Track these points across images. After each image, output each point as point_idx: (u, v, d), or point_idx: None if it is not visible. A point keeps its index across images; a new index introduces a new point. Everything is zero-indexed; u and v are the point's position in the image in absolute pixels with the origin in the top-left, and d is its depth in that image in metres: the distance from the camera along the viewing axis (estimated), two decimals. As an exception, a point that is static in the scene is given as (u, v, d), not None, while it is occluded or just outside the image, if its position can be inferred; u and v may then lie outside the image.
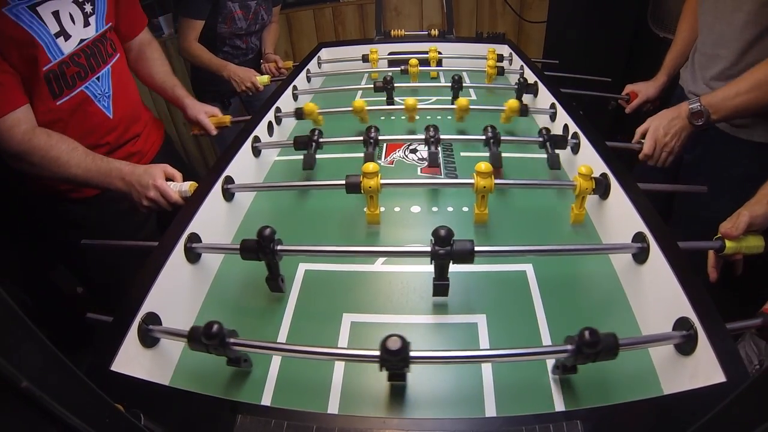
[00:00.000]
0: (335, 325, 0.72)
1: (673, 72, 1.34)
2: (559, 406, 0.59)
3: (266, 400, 0.61)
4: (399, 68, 1.49)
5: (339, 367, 0.65)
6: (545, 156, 1.03)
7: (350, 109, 1.19)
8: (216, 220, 0.88)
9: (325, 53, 1.75)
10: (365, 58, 1.63)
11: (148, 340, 0.63)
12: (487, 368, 0.63)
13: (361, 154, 1.06)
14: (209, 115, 1.32)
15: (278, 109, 1.26)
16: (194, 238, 0.78)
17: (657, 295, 0.67)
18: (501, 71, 1.46)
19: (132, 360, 0.60)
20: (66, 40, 0.99)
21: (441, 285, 0.71)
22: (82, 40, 1.03)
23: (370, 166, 0.86)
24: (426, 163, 1.10)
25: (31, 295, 1.52)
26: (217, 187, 0.90)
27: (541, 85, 1.31)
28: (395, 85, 1.33)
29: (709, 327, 0.56)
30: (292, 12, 2.43)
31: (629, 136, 1.13)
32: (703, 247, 0.78)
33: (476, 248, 0.67)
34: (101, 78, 1.09)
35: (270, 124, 1.20)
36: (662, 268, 0.66)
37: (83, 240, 0.87)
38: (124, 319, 0.63)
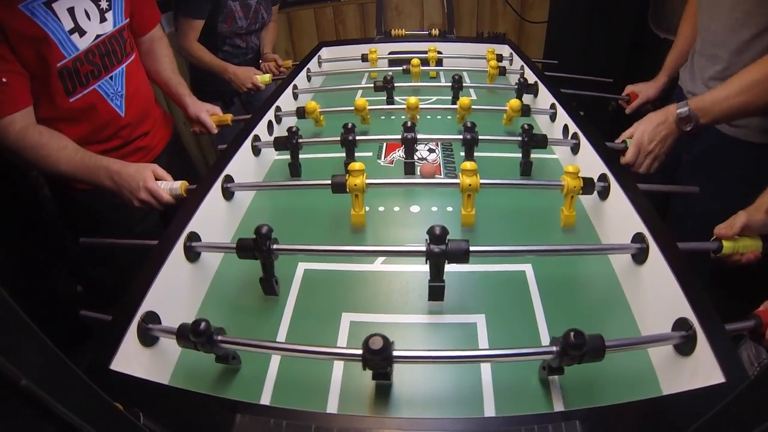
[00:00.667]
0: (335, 325, 0.72)
1: (673, 72, 1.34)
2: (558, 406, 0.59)
3: (265, 400, 0.61)
4: (401, 68, 1.48)
5: (338, 366, 0.65)
6: (544, 156, 1.03)
7: (351, 108, 1.19)
8: (215, 219, 0.88)
9: (325, 52, 1.75)
10: (365, 58, 1.63)
11: (148, 339, 0.63)
12: (486, 368, 0.63)
13: (361, 154, 1.06)
14: (210, 114, 1.32)
15: (278, 108, 1.26)
16: (194, 236, 0.78)
17: (656, 296, 0.67)
18: (502, 71, 1.46)
19: (131, 359, 0.60)
20: (81, 36, 1.00)
21: (436, 287, 0.70)
22: (98, 36, 1.04)
23: (356, 165, 0.86)
24: (426, 163, 1.10)
25: (30, 293, 1.52)
26: (217, 186, 0.90)
27: (541, 86, 1.31)
28: (395, 84, 1.33)
29: (709, 327, 0.56)
30: (292, 11, 2.43)
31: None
32: (700, 248, 0.78)
33: (471, 248, 0.67)
34: (114, 77, 1.10)
35: (270, 123, 1.20)
36: (661, 268, 0.66)
37: (81, 239, 0.87)
38: (124, 317, 0.63)
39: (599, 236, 0.88)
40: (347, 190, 0.86)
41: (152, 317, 0.65)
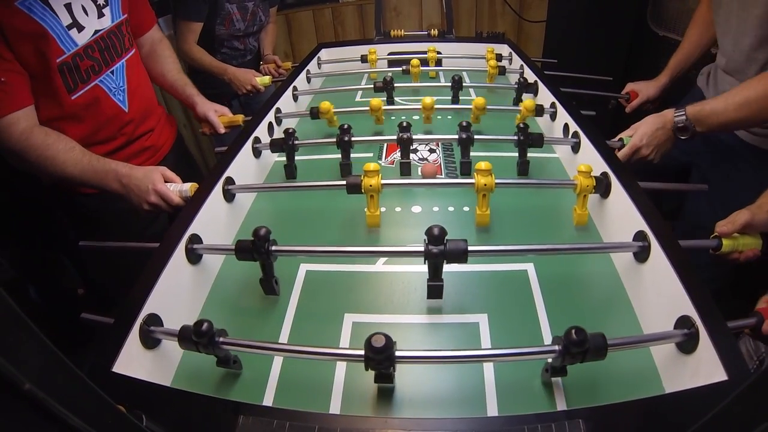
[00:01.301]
0: (337, 326, 0.72)
1: (675, 74, 1.34)
2: (561, 405, 0.59)
3: (268, 401, 0.61)
4: (400, 68, 1.48)
5: (341, 367, 0.65)
6: (545, 156, 1.03)
7: (366, 108, 1.19)
8: (217, 221, 0.88)
9: (324, 54, 1.75)
10: (364, 59, 1.63)
11: (150, 341, 0.63)
12: (488, 368, 0.63)
13: (362, 155, 1.06)
14: (219, 114, 1.32)
15: (278, 110, 1.26)
16: (195, 239, 0.78)
17: (658, 294, 0.67)
18: (502, 71, 1.46)
19: (133, 361, 0.60)
20: (79, 32, 1.00)
21: (435, 286, 0.70)
22: (96, 31, 1.04)
23: (371, 166, 0.86)
24: (426, 164, 1.10)
25: (36, 291, 1.52)
26: (218, 188, 0.90)
27: (541, 85, 1.31)
28: (395, 85, 1.33)
29: (711, 325, 0.56)
30: (291, 12, 2.44)
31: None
32: (699, 245, 0.78)
33: (470, 248, 0.66)
34: (115, 72, 1.10)
35: (270, 125, 1.20)
36: (663, 266, 0.66)
37: (81, 242, 0.87)
38: (126, 320, 0.63)
39: (601, 235, 0.88)
40: (362, 190, 0.86)
41: (154, 319, 0.65)
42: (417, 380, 0.62)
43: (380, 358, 0.52)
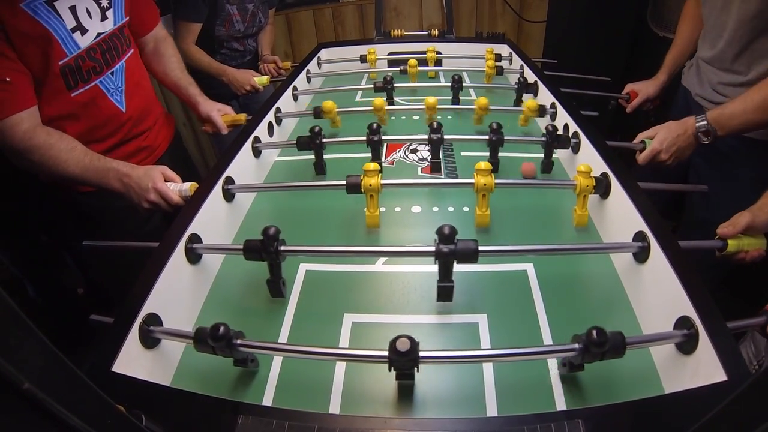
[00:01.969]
0: (336, 326, 0.72)
1: (673, 71, 1.35)
2: (561, 405, 0.59)
3: (267, 401, 0.61)
4: (400, 68, 1.48)
5: (340, 367, 0.65)
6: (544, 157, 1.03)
7: (370, 108, 1.19)
8: (217, 221, 0.88)
9: (324, 54, 1.75)
10: (364, 59, 1.63)
11: (149, 340, 0.63)
12: (488, 368, 0.63)
13: (363, 155, 1.06)
14: (222, 114, 1.31)
15: (278, 110, 1.26)
16: (195, 238, 0.78)
17: (658, 294, 0.67)
18: (500, 71, 1.46)
19: (133, 361, 0.60)
20: (83, 35, 1.00)
21: (445, 288, 0.70)
22: (99, 34, 1.04)
23: (371, 165, 0.86)
24: (426, 163, 1.10)
25: (37, 289, 1.52)
26: (218, 188, 0.90)
27: (541, 85, 1.31)
28: (395, 85, 1.33)
29: (711, 326, 0.56)
30: (291, 12, 2.43)
31: (629, 135, 1.13)
32: (704, 246, 0.78)
33: (480, 248, 0.66)
34: (115, 73, 1.10)
35: (270, 125, 1.20)
36: (663, 267, 0.66)
37: (85, 241, 0.87)
38: (125, 319, 0.63)
39: (600, 235, 0.88)
40: (362, 190, 0.86)
41: (154, 319, 0.65)
42: (417, 380, 0.62)
43: (405, 360, 0.53)
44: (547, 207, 0.95)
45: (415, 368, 0.55)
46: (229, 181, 0.93)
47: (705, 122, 0.98)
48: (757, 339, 0.96)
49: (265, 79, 1.65)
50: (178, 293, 0.72)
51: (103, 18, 1.05)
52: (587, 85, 1.45)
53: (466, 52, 1.67)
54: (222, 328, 0.57)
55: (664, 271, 0.66)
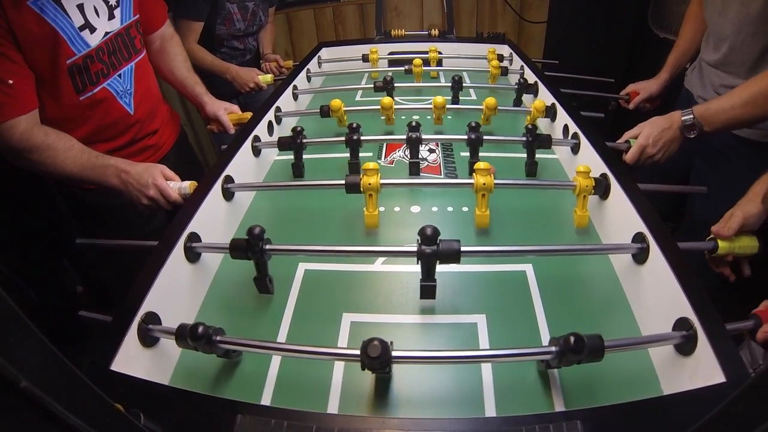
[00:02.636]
0: (335, 325, 0.72)
1: (675, 71, 1.35)
2: (559, 406, 0.59)
3: (266, 400, 0.61)
4: (402, 68, 1.48)
5: (339, 366, 0.65)
6: (544, 156, 1.03)
7: (368, 108, 1.19)
8: (216, 220, 0.88)
9: (325, 53, 1.75)
10: (365, 58, 1.63)
11: (148, 339, 0.63)
12: (486, 368, 0.63)
13: (362, 154, 1.06)
14: (228, 113, 1.31)
15: (278, 109, 1.26)
16: (194, 237, 0.78)
17: (657, 296, 0.67)
18: (504, 71, 1.46)
19: (132, 360, 0.60)
20: (91, 33, 1.00)
21: (428, 287, 0.70)
22: (107, 33, 1.03)
23: (371, 165, 0.86)
24: (426, 163, 1.10)
25: (34, 290, 1.52)
26: (217, 187, 0.90)
27: (541, 86, 1.31)
28: (396, 85, 1.33)
29: (709, 327, 0.56)
30: (292, 11, 2.43)
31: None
32: (696, 247, 0.78)
33: (464, 248, 0.66)
34: (123, 75, 1.10)
35: (270, 124, 1.20)
36: (662, 268, 0.66)
37: (78, 239, 0.87)
38: (124, 318, 0.63)
39: (599, 236, 0.88)
40: (361, 189, 0.86)
41: (152, 318, 0.65)
42: (415, 380, 0.62)
43: (375, 364, 0.53)
44: (546, 208, 0.95)
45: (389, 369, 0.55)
46: (229, 180, 0.93)
47: (691, 116, 0.97)
48: (752, 346, 0.96)
49: (269, 77, 1.65)
50: (177, 292, 0.72)
51: (111, 17, 1.04)
52: (588, 86, 1.45)
53: (467, 52, 1.67)
54: (201, 328, 0.58)
55: (663, 272, 0.66)
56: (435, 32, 1.80)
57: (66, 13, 0.94)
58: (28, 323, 0.29)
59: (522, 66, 1.48)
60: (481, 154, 1.04)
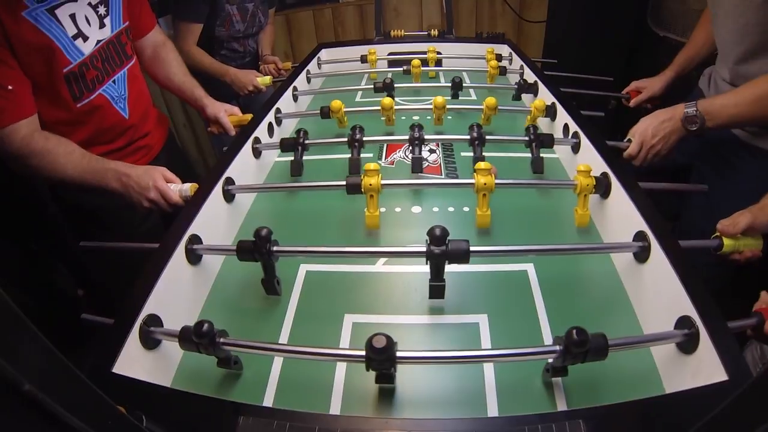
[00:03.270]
0: (337, 326, 0.71)
1: (681, 71, 1.34)
2: (561, 405, 0.59)
3: (268, 401, 0.61)
4: (401, 69, 1.48)
5: (341, 367, 0.65)
6: (545, 156, 1.03)
7: (369, 109, 1.19)
8: (217, 222, 0.88)
9: (324, 54, 1.75)
10: (365, 59, 1.63)
11: (150, 341, 0.63)
12: (488, 368, 0.63)
13: (361, 155, 1.06)
14: (229, 114, 1.32)
15: (278, 110, 1.26)
16: (195, 239, 0.78)
17: (658, 294, 0.67)
18: (503, 71, 1.46)
19: (133, 362, 0.60)
20: (84, 42, 1.01)
21: (437, 287, 0.70)
22: (98, 41, 1.04)
23: (372, 165, 0.86)
24: (427, 164, 1.10)
25: (31, 296, 1.52)
26: (218, 189, 0.90)
27: (541, 85, 1.31)
28: (395, 85, 1.33)
29: (711, 326, 0.56)
30: (291, 13, 2.44)
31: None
32: (701, 245, 0.78)
33: (472, 248, 0.66)
34: (117, 81, 1.11)
35: (270, 125, 1.20)
36: (663, 266, 0.66)
37: (82, 242, 0.87)
38: (126, 320, 0.63)
39: (601, 235, 0.88)
40: (362, 190, 0.86)
41: (154, 320, 0.65)
42: (417, 381, 0.62)
43: (381, 358, 0.52)
44: (547, 207, 0.95)
45: (393, 369, 0.55)
46: (229, 181, 0.93)
47: (694, 109, 0.97)
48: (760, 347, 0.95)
49: (267, 79, 1.65)
50: (178, 294, 0.72)
51: (101, 25, 1.05)
52: (587, 85, 1.45)
53: (466, 52, 1.67)
54: (206, 326, 0.57)
55: (664, 270, 0.66)
56: (434, 32, 1.80)
57: (60, 23, 0.95)
58: (31, 326, 0.29)
59: (521, 66, 1.48)
60: (484, 154, 1.04)
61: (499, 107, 1.14)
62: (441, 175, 1.07)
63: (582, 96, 1.38)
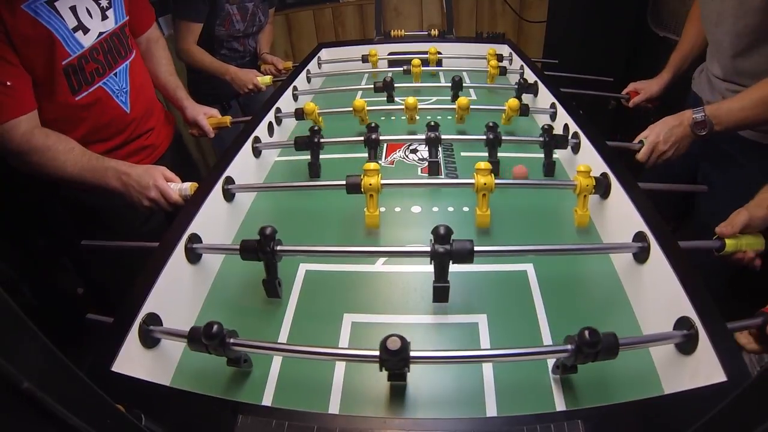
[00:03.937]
0: (336, 325, 0.72)
1: (677, 71, 1.34)
2: (560, 405, 0.59)
3: (267, 401, 0.61)
4: (401, 68, 1.48)
5: (340, 367, 0.65)
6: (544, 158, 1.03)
7: (350, 109, 1.19)
8: (216, 221, 0.88)
9: (325, 54, 1.75)
10: (365, 59, 1.63)
11: (149, 340, 0.63)
12: (487, 368, 0.63)
13: (360, 155, 1.06)
14: (208, 117, 1.33)
15: (278, 110, 1.26)
16: (195, 238, 0.78)
17: (658, 295, 0.67)
18: (503, 71, 1.46)
19: (133, 360, 0.60)
20: (85, 34, 1.01)
21: (441, 288, 0.70)
22: (100, 33, 1.04)
23: (371, 165, 0.86)
24: (426, 163, 1.10)
25: (31, 293, 1.52)
26: (218, 188, 0.90)
27: (541, 85, 1.31)
28: (395, 85, 1.33)
29: (710, 326, 0.56)
30: (291, 12, 2.44)
31: (629, 135, 1.13)
32: (702, 246, 0.78)
33: (476, 248, 0.66)
34: (119, 74, 1.11)
35: (270, 125, 1.20)
36: (663, 267, 0.66)
37: (83, 241, 0.87)
38: (125, 319, 0.63)
39: (600, 235, 0.88)
40: (362, 190, 0.86)
41: (154, 319, 0.65)
42: (417, 381, 0.62)
43: (396, 359, 0.52)
44: (547, 207, 0.95)
45: (406, 368, 0.55)
46: (229, 181, 0.93)
47: (702, 114, 0.99)
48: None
49: (267, 78, 1.65)
50: (178, 293, 0.72)
51: (104, 17, 1.05)
52: (587, 85, 1.45)
53: (467, 52, 1.67)
54: (215, 327, 0.57)
55: (664, 271, 0.66)
56: (435, 32, 1.80)
57: (59, 15, 0.95)
58: (30, 324, 0.29)
59: (522, 66, 1.48)
60: (481, 153, 1.04)
61: (471, 107, 1.15)
62: (441, 175, 1.07)
63: (582, 96, 1.39)
